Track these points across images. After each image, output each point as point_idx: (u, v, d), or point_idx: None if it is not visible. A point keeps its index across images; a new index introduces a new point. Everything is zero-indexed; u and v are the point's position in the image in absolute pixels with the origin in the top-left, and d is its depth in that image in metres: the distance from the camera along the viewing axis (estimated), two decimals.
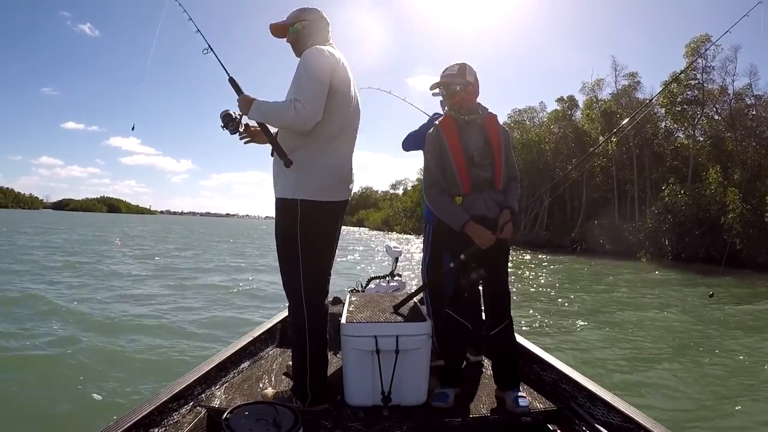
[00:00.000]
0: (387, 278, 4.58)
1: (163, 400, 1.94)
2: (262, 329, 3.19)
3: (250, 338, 2.98)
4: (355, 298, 2.84)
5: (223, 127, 2.26)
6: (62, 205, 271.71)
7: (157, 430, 1.87)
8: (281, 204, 2.22)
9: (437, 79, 2.49)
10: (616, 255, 28.70)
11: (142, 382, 4.52)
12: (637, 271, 20.92)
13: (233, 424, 1.69)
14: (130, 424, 1.71)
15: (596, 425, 2.08)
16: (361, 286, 4.46)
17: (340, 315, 2.43)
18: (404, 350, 2.18)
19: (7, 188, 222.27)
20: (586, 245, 33.59)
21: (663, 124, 36.62)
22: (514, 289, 11.45)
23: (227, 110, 2.27)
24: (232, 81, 2.29)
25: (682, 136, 35.90)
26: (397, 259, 4.85)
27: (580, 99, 43.40)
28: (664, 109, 34.96)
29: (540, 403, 2.36)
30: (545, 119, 47.43)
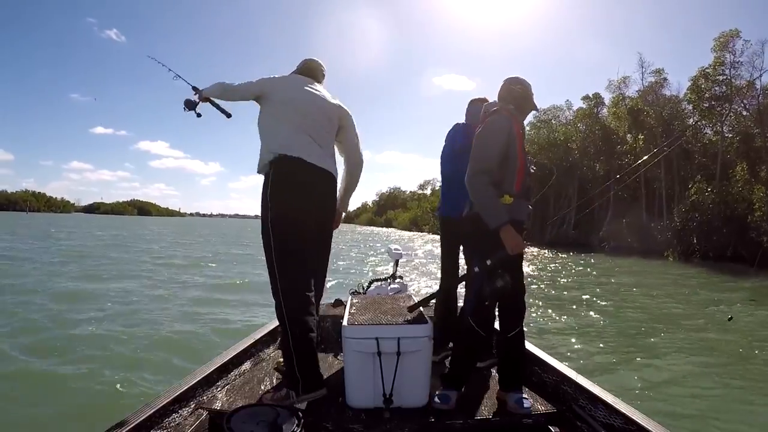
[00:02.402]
0: (388, 280, 4.65)
1: (165, 402, 1.97)
2: (263, 331, 3.25)
3: (252, 340, 3.02)
4: (356, 300, 2.84)
5: (185, 108, 2.59)
6: (93, 209, 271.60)
7: None
8: (263, 183, 2.47)
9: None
10: (643, 254, 29.29)
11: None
12: (661, 270, 20.94)
13: (234, 426, 1.71)
14: (131, 426, 1.74)
15: (598, 427, 2.10)
16: (363, 288, 4.46)
17: (342, 317, 2.45)
18: (405, 352, 2.22)
19: (40, 193, 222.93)
20: (614, 244, 34.13)
21: (691, 120, 37.00)
22: (536, 289, 12.39)
23: (186, 98, 2.61)
24: (194, 88, 2.65)
25: (710, 132, 36.21)
26: (397, 261, 4.94)
27: (607, 97, 43.96)
28: (692, 105, 35.34)
29: (541, 405, 2.38)
30: (571, 117, 48.06)
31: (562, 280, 15.52)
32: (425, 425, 2.18)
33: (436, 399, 2.31)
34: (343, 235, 47.42)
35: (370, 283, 4.61)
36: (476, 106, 3.14)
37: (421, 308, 2.56)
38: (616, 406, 2.03)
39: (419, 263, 18.48)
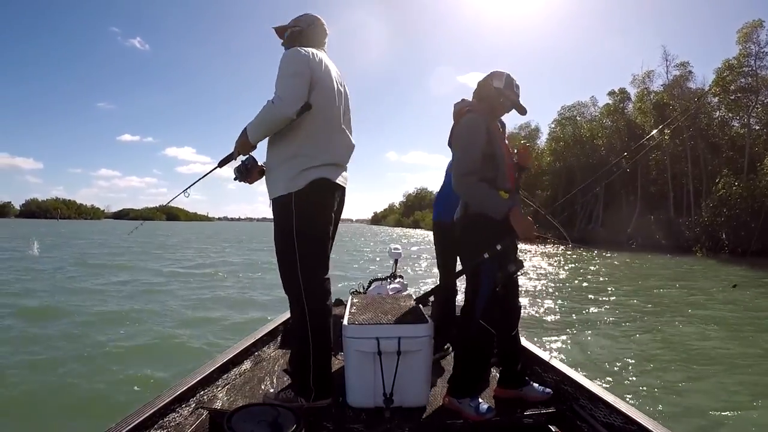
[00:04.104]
0: (388, 279, 4.67)
1: (165, 401, 1.98)
2: (263, 331, 3.27)
3: (252, 340, 3.02)
4: (357, 300, 2.86)
5: (237, 179, 2.43)
6: (123, 215, 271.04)
7: (158, 431, 1.91)
8: (276, 204, 2.31)
9: (485, 77, 2.51)
10: (671, 250, 29.64)
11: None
12: (688, 266, 20.55)
13: (235, 425, 1.74)
14: (132, 425, 1.76)
15: (598, 427, 2.12)
16: (363, 288, 4.51)
17: (342, 316, 2.45)
18: (406, 352, 2.23)
19: (70, 200, 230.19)
20: (642, 240, 34.48)
21: (717, 113, 37.12)
22: (560, 286, 12.20)
23: (235, 167, 2.42)
24: (222, 162, 2.48)
25: (737, 125, 36.34)
26: (396, 261, 4.98)
27: (632, 91, 44.27)
28: (717, 98, 35.56)
29: (542, 405, 2.40)
30: (597, 114, 48.40)
31: (588, 277, 15.19)
32: (425, 425, 2.22)
33: (474, 411, 2.26)
34: (367, 239, 47.19)
35: (371, 282, 4.65)
36: None
37: (421, 307, 2.63)
38: (617, 406, 2.05)
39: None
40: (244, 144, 2.32)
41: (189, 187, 2.65)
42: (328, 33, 2.52)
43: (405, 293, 3.68)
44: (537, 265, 18.24)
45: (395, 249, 5.09)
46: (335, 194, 2.38)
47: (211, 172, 2.61)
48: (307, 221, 2.27)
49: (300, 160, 2.26)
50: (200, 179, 2.72)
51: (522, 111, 2.51)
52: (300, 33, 2.45)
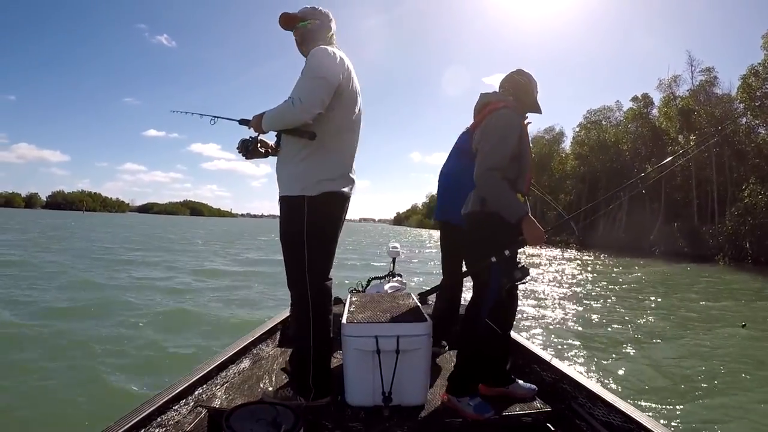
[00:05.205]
0: (387, 278, 4.65)
1: (164, 400, 1.98)
2: (262, 329, 3.26)
3: (251, 338, 3.03)
4: (355, 299, 2.88)
5: (238, 149, 2.50)
6: (147, 209, 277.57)
7: (157, 430, 1.91)
8: (286, 202, 2.35)
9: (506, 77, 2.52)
10: (693, 258, 29.47)
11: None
12: (707, 276, 20.00)
13: (234, 424, 1.74)
14: (130, 424, 1.76)
15: (597, 426, 2.13)
16: (362, 286, 4.49)
17: (341, 315, 2.47)
18: (405, 351, 2.25)
19: (95, 193, 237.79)
20: (664, 248, 34.43)
21: (743, 120, 36.81)
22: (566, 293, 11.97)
23: (242, 138, 2.48)
24: (242, 121, 2.49)
25: (763, 132, 36.16)
26: (395, 260, 4.95)
27: (656, 96, 44.41)
28: (743, 104, 35.56)
29: (540, 404, 2.41)
30: (622, 119, 48.59)
31: (609, 285, 14.40)
32: (424, 423, 2.21)
33: (473, 410, 2.26)
34: (387, 239, 46.53)
35: (369, 281, 4.64)
36: None
37: (420, 305, 2.64)
38: (616, 405, 2.05)
39: None
40: (257, 126, 2.37)
41: (216, 116, 2.68)
42: (331, 26, 2.53)
43: (404, 292, 3.66)
44: (558, 269, 17.77)
45: (394, 248, 5.13)
46: (345, 205, 2.43)
47: (230, 120, 2.63)
48: (317, 225, 2.31)
49: (317, 167, 2.30)
50: (224, 117, 2.67)
51: (540, 110, 2.57)
52: (320, 28, 2.43)
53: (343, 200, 2.40)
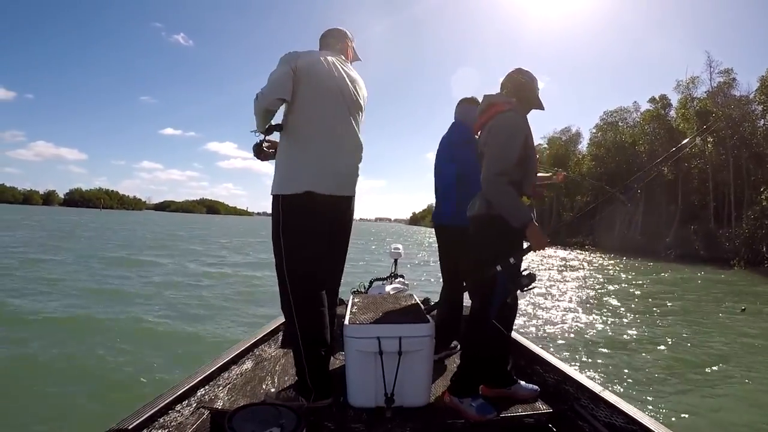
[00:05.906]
0: (389, 279, 4.68)
1: (166, 401, 1.99)
2: (264, 330, 3.28)
3: (253, 339, 3.04)
4: (357, 300, 2.88)
5: (253, 153, 2.57)
6: (164, 207, 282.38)
7: (159, 431, 1.91)
8: (273, 202, 2.39)
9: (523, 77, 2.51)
10: (709, 262, 29.57)
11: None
12: (722, 280, 19.90)
13: (236, 425, 1.74)
14: (133, 425, 1.77)
15: (600, 427, 2.13)
16: (364, 288, 4.51)
17: (343, 316, 2.47)
18: (407, 351, 2.25)
19: (112, 191, 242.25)
20: (680, 251, 34.40)
21: (761, 122, 36.85)
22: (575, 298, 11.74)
23: (255, 142, 2.53)
24: (268, 130, 2.47)
25: None
26: (396, 261, 4.98)
27: (674, 98, 44.20)
28: (761, 106, 35.55)
29: (543, 405, 2.41)
30: (638, 120, 48.49)
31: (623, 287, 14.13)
32: (427, 425, 2.21)
33: (475, 411, 2.27)
34: (404, 240, 47.74)
35: (371, 282, 4.65)
36: (464, 106, 3.24)
37: (422, 306, 2.64)
38: (619, 406, 2.04)
39: None
40: (258, 125, 2.44)
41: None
42: (342, 38, 2.64)
43: (406, 293, 3.71)
44: (570, 271, 17.65)
45: (395, 249, 5.13)
46: (327, 205, 2.38)
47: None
48: (290, 225, 2.33)
49: (292, 166, 2.34)
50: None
51: (542, 106, 2.56)
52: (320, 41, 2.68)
53: (325, 200, 2.37)
